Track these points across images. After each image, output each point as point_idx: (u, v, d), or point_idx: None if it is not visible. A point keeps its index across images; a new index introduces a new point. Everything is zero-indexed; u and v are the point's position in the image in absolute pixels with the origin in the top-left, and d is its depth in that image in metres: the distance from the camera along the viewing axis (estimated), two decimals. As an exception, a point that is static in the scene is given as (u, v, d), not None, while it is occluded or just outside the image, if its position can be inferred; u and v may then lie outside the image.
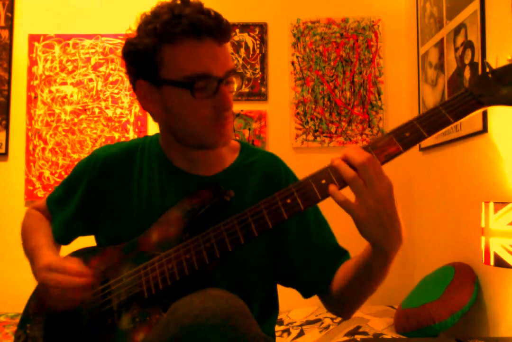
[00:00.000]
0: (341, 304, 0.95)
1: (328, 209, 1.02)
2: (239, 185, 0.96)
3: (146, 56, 0.87)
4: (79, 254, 1.00)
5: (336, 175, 0.75)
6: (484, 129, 1.80)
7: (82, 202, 1.02)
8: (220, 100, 0.87)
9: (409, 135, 0.75)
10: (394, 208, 0.73)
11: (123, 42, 0.91)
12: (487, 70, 0.77)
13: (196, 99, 0.86)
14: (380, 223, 0.73)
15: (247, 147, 1.04)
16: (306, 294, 0.99)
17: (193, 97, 0.85)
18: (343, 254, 0.97)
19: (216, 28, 0.85)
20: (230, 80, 0.90)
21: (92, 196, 1.01)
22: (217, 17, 0.87)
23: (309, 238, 0.97)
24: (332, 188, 0.75)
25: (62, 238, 1.05)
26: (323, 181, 0.76)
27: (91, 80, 2.80)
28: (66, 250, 1.07)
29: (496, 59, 0.80)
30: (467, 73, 1.97)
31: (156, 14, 0.87)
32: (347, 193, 0.75)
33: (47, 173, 2.74)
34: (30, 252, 1.00)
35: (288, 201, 0.78)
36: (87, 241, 1.07)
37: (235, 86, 0.92)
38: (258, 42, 2.84)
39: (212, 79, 0.86)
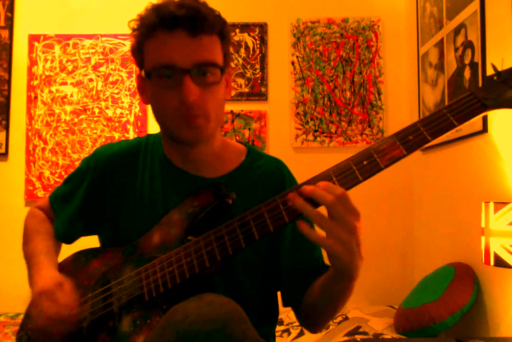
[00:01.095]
0: (310, 318, 0.97)
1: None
2: (243, 188, 0.95)
3: (136, 51, 0.92)
4: (80, 255, 1.00)
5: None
6: (484, 129, 1.80)
7: (84, 201, 1.02)
8: (182, 91, 0.85)
9: (413, 139, 0.75)
10: (360, 234, 0.74)
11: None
12: (493, 72, 0.76)
13: (164, 88, 0.87)
14: (350, 251, 0.74)
15: (253, 151, 1.04)
16: (284, 303, 1.00)
17: (162, 85, 0.87)
18: (324, 269, 0.95)
19: (187, 19, 0.84)
20: (203, 72, 0.87)
21: (95, 195, 1.00)
22: (193, 8, 0.85)
23: (299, 252, 0.97)
24: (305, 227, 0.74)
25: (64, 236, 1.05)
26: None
27: (91, 80, 2.80)
28: (68, 249, 1.07)
29: (502, 61, 0.79)
30: (467, 73, 1.97)
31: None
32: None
33: (47, 173, 2.74)
34: (27, 258, 1.00)
35: (290, 204, 0.77)
36: (89, 240, 1.07)
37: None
38: (258, 42, 2.84)
39: (176, 71, 0.85)
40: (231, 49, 2.80)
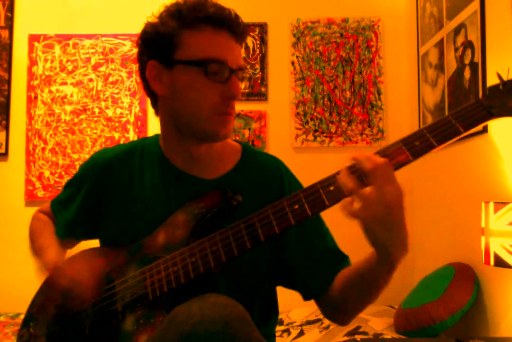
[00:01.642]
0: (339, 310, 0.95)
1: (331, 213, 1.02)
2: (242, 187, 0.96)
3: (164, 38, 0.90)
4: (84, 254, 1.00)
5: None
6: (484, 129, 1.80)
7: (83, 206, 1.02)
8: (230, 88, 0.89)
9: (419, 144, 0.75)
10: (402, 215, 0.72)
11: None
12: (497, 80, 0.78)
13: (206, 82, 0.88)
14: (387, 228, 0.71)
15: (248, 149, 1.04)
16: (306, 297, 0.99)
17: (204, 78, 0.88)
18: (343, 259, 0.97)
19: (235, 24, 0.90)
20: (239, 76, 0.92)
21: (93, 200, 1.01)
22: (236, 15, 0.92)
23: (310, 243, 0.97)
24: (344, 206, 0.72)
25: (64, 241, 1.05)
26: (331, 188, 0.75)
27: (91, 80, 2.80)
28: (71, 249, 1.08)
29: (508, 70, 0.80)
30: (467, 73, 1.97)
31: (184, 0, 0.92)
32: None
33: (47, 173, 2.74)
34: (37, 252, 1.01)
35: (296, 206, 0.78)
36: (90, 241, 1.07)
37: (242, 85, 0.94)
38: (258, 42, 2.84)
39: (226, 67, 0.89)
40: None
